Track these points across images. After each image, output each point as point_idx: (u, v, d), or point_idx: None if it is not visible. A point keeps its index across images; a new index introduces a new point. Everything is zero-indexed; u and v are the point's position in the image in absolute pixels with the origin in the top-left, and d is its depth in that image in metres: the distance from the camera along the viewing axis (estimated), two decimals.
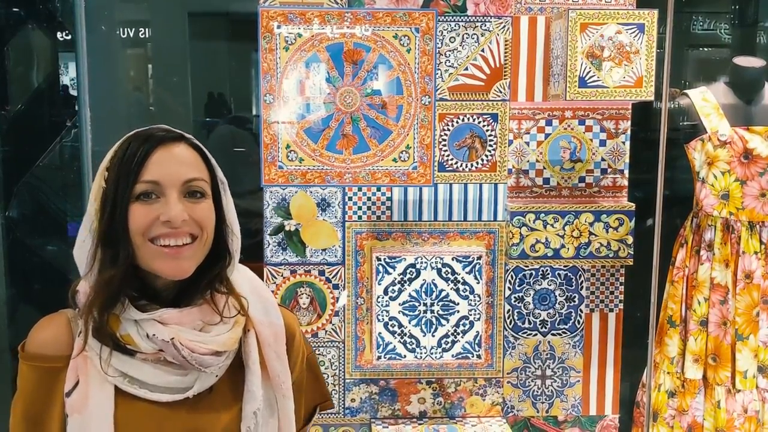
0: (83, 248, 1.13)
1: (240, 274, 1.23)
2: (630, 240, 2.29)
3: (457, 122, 2.32)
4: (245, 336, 1.18)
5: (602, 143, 2.36)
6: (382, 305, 2.29)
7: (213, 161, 1.18)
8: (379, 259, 2.28)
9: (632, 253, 2.30)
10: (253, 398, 1.16)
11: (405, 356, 2.32)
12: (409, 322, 2.31)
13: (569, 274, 2.40)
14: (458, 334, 2.31)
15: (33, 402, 1.12)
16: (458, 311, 2.31)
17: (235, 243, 1.19)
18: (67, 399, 1.10)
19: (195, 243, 1.12)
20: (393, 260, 2.29)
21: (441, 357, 2.32)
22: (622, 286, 2.42)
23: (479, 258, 2.30)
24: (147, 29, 2.80)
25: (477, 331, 2.32)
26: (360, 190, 2.33)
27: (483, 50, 2.30)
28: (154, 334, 1.09)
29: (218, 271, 1.17)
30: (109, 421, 1.08)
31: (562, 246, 2.28)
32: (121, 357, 1.10)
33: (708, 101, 2.38)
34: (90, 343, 1.10)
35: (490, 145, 2.34)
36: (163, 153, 1.11)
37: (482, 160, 2.34)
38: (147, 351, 1.10)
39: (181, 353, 1.08)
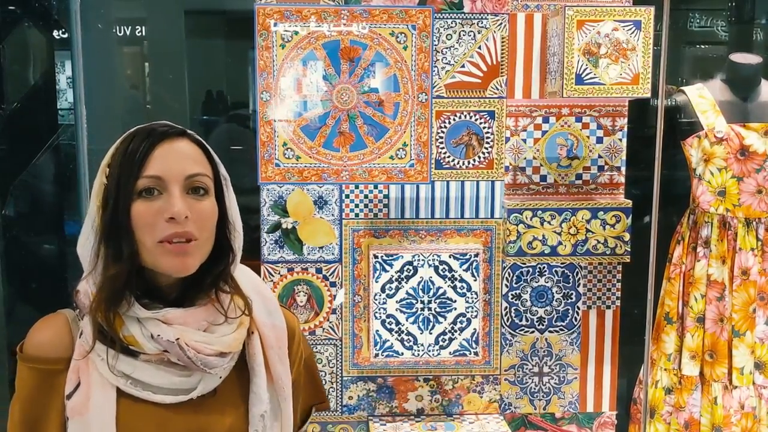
0: (86, 246, 1.11)
1: (242, 274, 1.21)
2: (627, 237, 2.29)
3: (454, 119, 2.32)
4: (249, 338, 1.17)
5: (599, 140, 2.36)
6: (379, 303, 2.29)
7: (215, 157, 1.16)
8: (376, 257, 2.28)
9: (629, 250, 2.30)
10: (260, 401, 1.15)
11: (402, 354, 2.32)
12: (407, 320, 2.31)
13: (566, 271, 2.40)
14: (456, 331, 2.32)
15: (31, 404, 1.10)
16: (455, 308, 2.31)
17: (238, 240, 1.18)
18: (68, 401, 1.08)
19: (197, 241, 1.09)
20: (390, 258, 2.28)
21: (438, 354, 2.32)
22: (619, 283, 2.42)
23: (476, 255, 2.30)
24: (143, 27, 2.79)
25: (474, 329, 2.32)
26: (357, 187, 2.33)
27: (480, 47, 2.30)
28: (158, 335, 1.07)
29: (222, 268, 1.15)
30: (112, 424, 1.06)
31: (559, 243, 2.28)
32: (124, 358, 1.08)
33: (704, 98, 2.38)
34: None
35: (487, 143, 2.34)
36: (166, 148, 1.10)
37: (479, 157, 2.34)
38: (151, 352, 1.08)
39: (187, 354, 1.07)
